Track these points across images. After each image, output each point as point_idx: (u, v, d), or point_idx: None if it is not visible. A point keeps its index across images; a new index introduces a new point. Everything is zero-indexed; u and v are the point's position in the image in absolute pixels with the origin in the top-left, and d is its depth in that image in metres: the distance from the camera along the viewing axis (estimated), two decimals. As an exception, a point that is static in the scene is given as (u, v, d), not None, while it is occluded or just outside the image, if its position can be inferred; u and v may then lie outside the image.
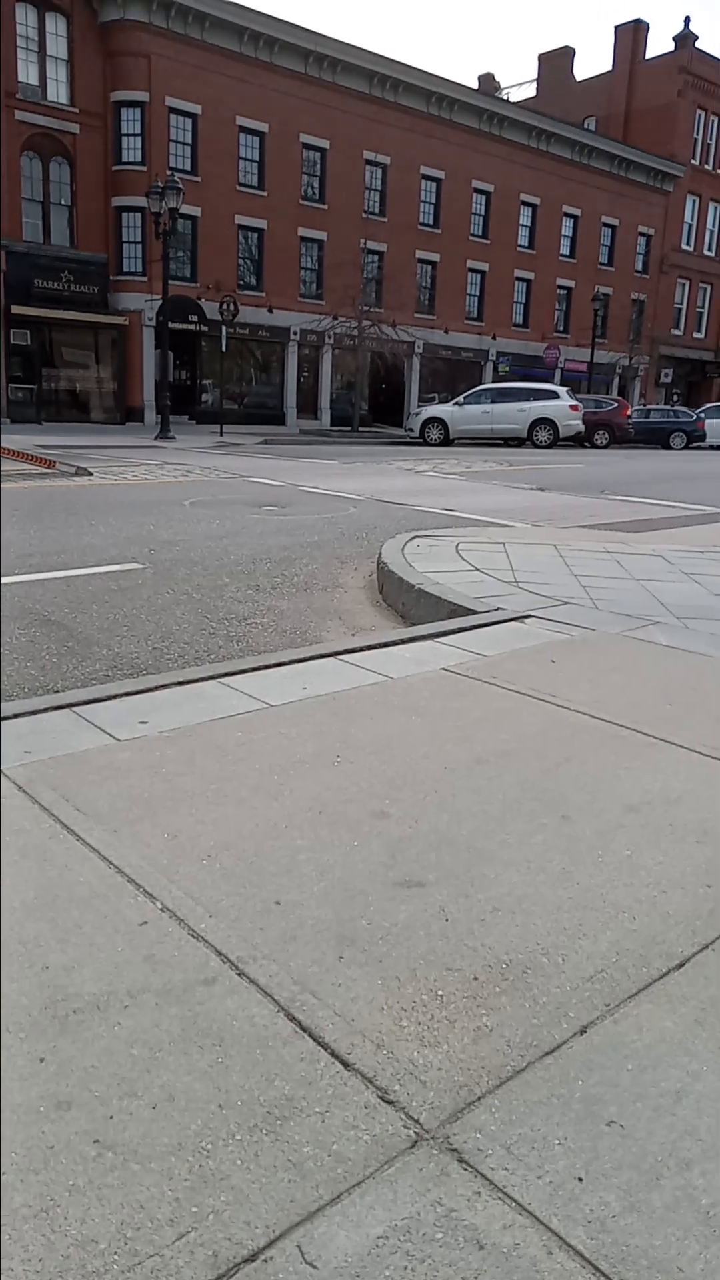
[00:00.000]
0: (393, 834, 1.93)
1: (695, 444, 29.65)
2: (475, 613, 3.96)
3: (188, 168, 30.03)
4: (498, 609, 4.02)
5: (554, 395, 25.56)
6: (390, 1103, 1.22)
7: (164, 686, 2.84)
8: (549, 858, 1.86)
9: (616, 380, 43.34)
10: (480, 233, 38.55)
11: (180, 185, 22.53)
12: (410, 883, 1.75)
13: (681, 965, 1.53)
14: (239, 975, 1.45)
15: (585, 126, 42.95)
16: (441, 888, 1.73)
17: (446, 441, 25.19)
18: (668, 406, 36.20)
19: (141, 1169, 1.10)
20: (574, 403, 25.47)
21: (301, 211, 33.28)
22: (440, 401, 30.00)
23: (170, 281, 23.92)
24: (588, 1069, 1.29)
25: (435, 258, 37.21)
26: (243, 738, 2.45)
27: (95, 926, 1.57)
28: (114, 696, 2.75)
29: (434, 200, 36.76)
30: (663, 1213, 1.07)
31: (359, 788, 2.15)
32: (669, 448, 29.03)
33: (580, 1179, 1.11)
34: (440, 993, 1.44)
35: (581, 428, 25.60)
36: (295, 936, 1.56)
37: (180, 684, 2.87)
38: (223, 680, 2.92)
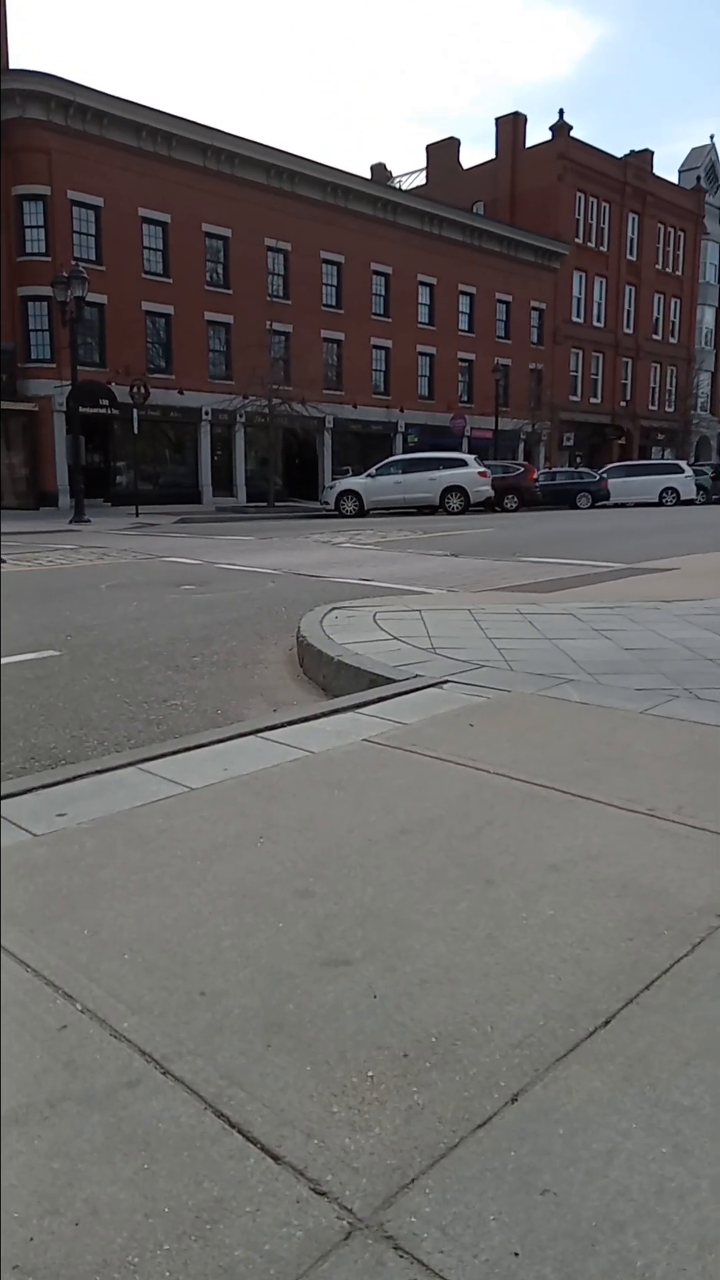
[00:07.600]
0: (318, 912, 1.92)
1: (600, 503, 30.83)
2: (394, 681, 4.01)
3: (93, 257, 30.62)
4: (416, 676, 4.07)
5: (463, 463, 26.34)
6: (323, 1194, 1.19)
7: (81, 776, 2.79)
8: (474, 924, 1.87)
9: (521, 446, 44.95)
10: (382, 311, 40.04)
11: (85, 274, 22.88)
12: (337, 961, 1.73)
13: (608, 1022, 1.54)
14: (164, 1074, 1.41)
15: (474, 210, 45.30)
16: (368, 964, 1.72)
17: (361, 513, 25.64)
18: (572, 469, 37.66)
19: (64, 1293, 1.05)
20: (482, 469, 26.29)
21: (207, 296, 34.13)
22: (353, 474, 30.61)
23: (80, 367, 24.11)
24: (520, 1138, 1.29)
25: (340, 336, 38.43)
26: (164, 824, 2.42)
27: (12, 1036, 1.51)
28: (29, 790, 2.68)
29: (335, 283, 38.15)
30: (599, 1280, 1.07)
31: (283, 867, 2.14)
32: (576, 507, 30.11)
33: (516, 1254, 1.11)
34: (370, 1073, 1.42)
35: (491, 493, 26.38)
36: (222, 1027, 1.53)
37: (98, 773, 2.82)
38: (142, 766, 2.88)
